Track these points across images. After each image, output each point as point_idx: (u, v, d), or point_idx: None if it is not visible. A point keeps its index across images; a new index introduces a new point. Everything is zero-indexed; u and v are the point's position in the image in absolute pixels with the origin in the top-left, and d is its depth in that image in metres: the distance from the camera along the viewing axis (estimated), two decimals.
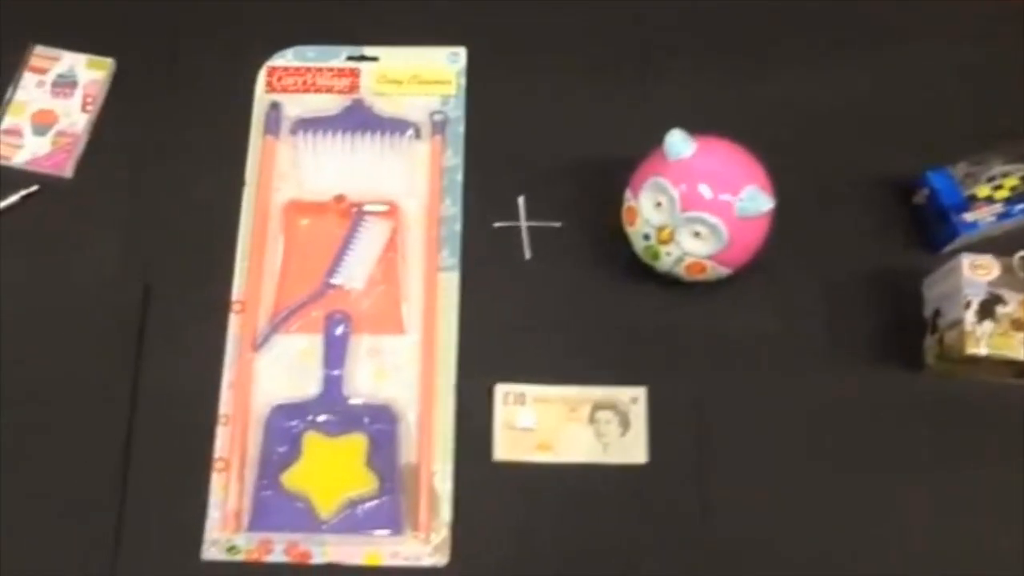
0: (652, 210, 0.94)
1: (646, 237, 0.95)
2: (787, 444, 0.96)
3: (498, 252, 1.03)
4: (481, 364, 0.97)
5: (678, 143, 0.92)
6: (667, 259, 0.95)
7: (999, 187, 1.00)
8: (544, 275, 1.02)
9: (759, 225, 0.94)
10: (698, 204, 0.92)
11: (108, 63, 1.10)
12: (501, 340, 0.99)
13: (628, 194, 0.97)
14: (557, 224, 1.04)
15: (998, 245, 0.99)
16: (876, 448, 0.96)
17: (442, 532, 0.91)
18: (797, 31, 1.12)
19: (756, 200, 0.92)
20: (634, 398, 0.96)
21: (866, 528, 0.93)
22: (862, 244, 1.03)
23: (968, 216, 0.99)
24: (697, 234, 0.93)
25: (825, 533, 0.93)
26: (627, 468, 0.94)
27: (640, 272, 1.00)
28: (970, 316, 0.91)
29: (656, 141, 0.94)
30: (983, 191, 1.00)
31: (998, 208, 1.00)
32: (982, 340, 0.91)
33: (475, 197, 1.05)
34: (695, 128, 0.94)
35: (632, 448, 0.95)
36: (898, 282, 1.01)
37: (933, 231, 1.02)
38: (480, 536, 0.91)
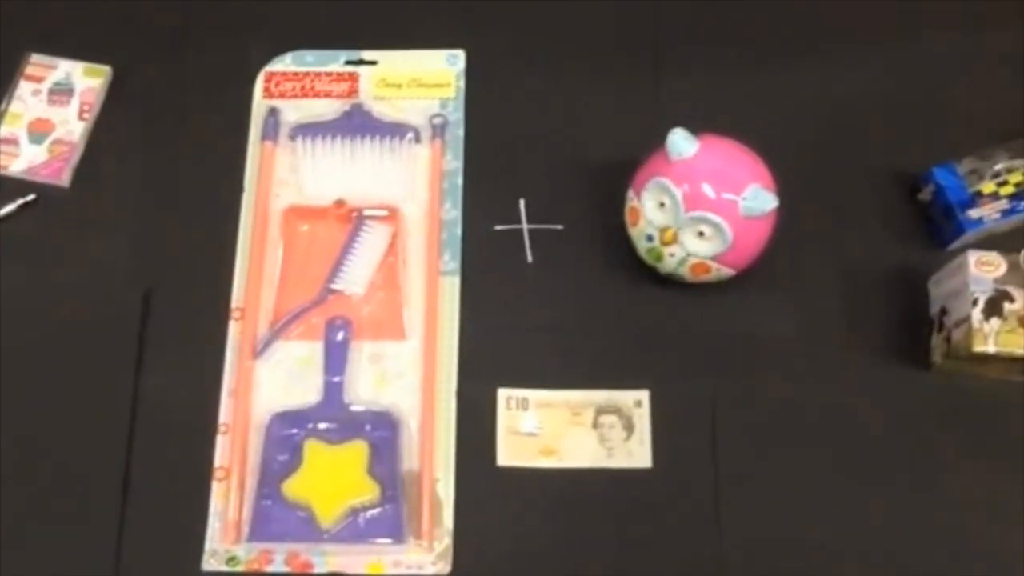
0: (655, 211, 0.93)
1: (649, 238, 0.94)
2: (795, 445, 0.95)
3: (499, 256, 1.02)
4: (483, 369, 0.96)
5: (680, 142, 0.91)
6: (671, 260, 0.94)
7: (1004, 183, 0.99)
8: (546, 278, 1.01)
9: (763, 225, 0.93)
10: (702, 204, 0.91)
11: (105, 71, 1.09)
12: (503, 344, 0.98)
13: (631, 195, 0.96)
14: (559, 227, 1.03)
15: (1004, 242, 0.98)
16: (885, 448, 0.94)
17: (444, 540, 0.90)
18: (800, 29, 1.11)
19: (760, 199, 0.91)
20: (638, 401, 0.95)
21: (877, 529, 0.92)
22: (867, 242, 1.02)
23: (974, 213, 0.98)
24: (701, 234, 0.92)
25: (835, 535, 0.92)
26: (632, 473, 0.93)
27: (643, 274, 0.99)
28: (977, 313, 0.90)
29: (658, 142, 0.93)
30: (988, 187, 0.99)
31: (1004, 204, 0.99)
32: (990, 337, 0.90)
33: (476, 200, 1.04)
34: (698, 128, 0.93)
35: (637, 452, 0.94)
36: (904, 280, 1.00)
37: (939, 228, 1.01)
38: (483, 544, 0.90)
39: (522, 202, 1.03)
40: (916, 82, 1.08)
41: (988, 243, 0.98)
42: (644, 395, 0.95)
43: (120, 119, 1.08)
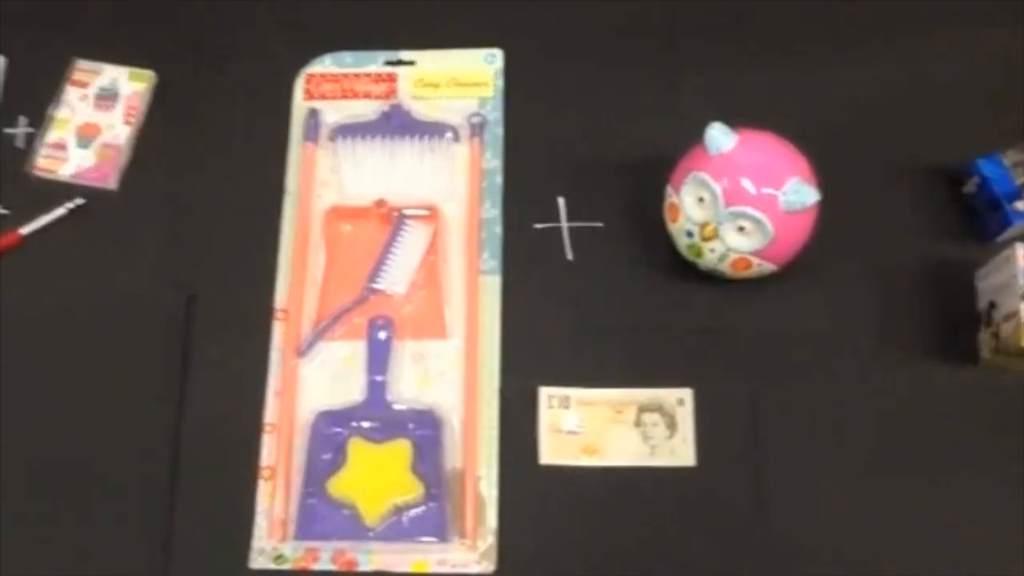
0: (695, 206, 0.93)
1: (689, 234, 0.94)
2: (840, 443, 0.94)
3: (539, 254, 1.02)
4: (525, 367, 0.97)
5: (719, 137, 0.91)
6: (711, 256, 0.94)
7: None
8: (587, 276, 1.01)
9: (804, 219, 0.92)
10: (742, 198, 0.90)
11: (149, 75, 1.10)
12: (544, 342, 0.98)
13: (669, 190, 0.96)
14: (599, 224, 1.03)
15: None
16: (932, 445, 0.93)
17: (488, 538, 0.90)
18: (838, 20, 1.10)
19: (801, 193, 0.90)
20: (680, 399, 0.95)
21: (924, 527, 0.91)
22: (912, 236, 1.01)
23: (1021, 205, 0.97)
24: (741, 229, 0.91)
25: (882, 533, 0.91)
26: (676, 471, 0.93)
27: (684, 270, 0.98)
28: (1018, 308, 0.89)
29: (696, 137, 0.93)
30: None
31: None
32: None
33: (515, 199, 1.04)
34: (737, 123, 0.93)
35: (680, 450, 0.93)
36: (950, 274, 0.99)
37: (985, 221, 0.99)
38: (527, 542, 0.90)
39: (561, 200, 1.03)
40: (958, 73, 1.07)
41: None
42: (687, 393, 0.95)
43: (165, 123, 1.09)
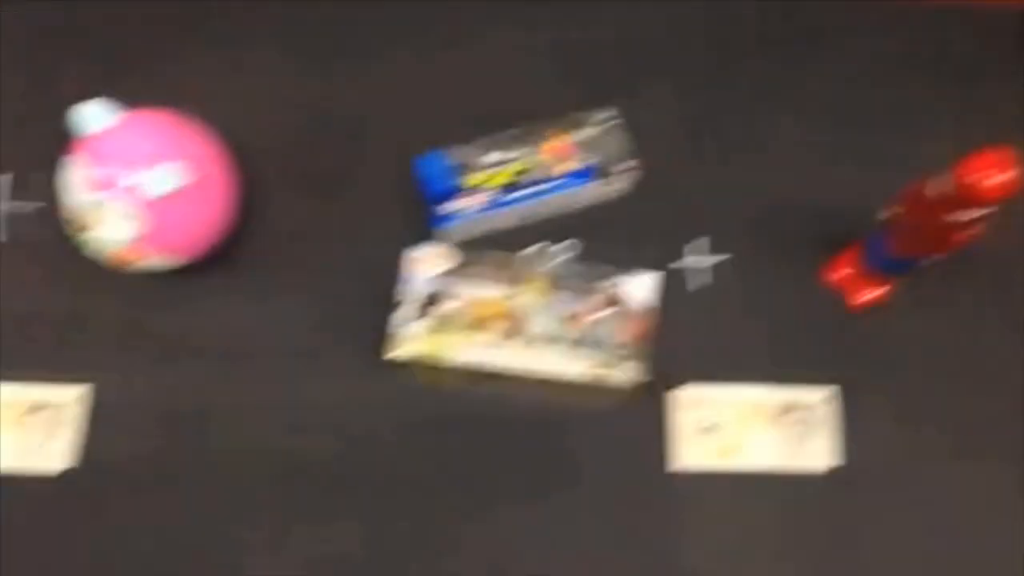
0: (68, 193, 0.86)
1: (67, 222, 0.87)
2: (261, 448, 0.88)
3: None
4: None
5: (83, 117, 0.84)
6: (91, 244, 0.87)
7: (491, 176, 0.93)
8: (16, 260, 0.94)
9: (183, 206, 0.85)
10: (105, 184, 0.83)
11: None
12: None
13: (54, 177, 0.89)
14: (42, 204, 0.94)
15: (510, 240, 0.93)
16: (361, 454, 0.88)
17: None
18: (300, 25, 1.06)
19: (164, 179, 0.83)
20: (76, 397, 0.88)
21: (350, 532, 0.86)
22: (363, 236, 0.95)
23: (455, 205, 0.92)
24: (112, 217, 0.84)
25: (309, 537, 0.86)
26: (49, 478, 0.86)
27: None
28: (406, 314, 0.84)
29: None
30: (474, 179, 0.93)
31: (487, 197, 0.92)
32: (413, 341, 0.83)
33: None
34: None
35: (57, 454, 0.86)
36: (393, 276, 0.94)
37: (429, 220, 0.94)
38: None
39: None
40: (420, 74, 1.03)
41: (492, 241, 0.92)
42: (84, 389, 0.88)
43: None
